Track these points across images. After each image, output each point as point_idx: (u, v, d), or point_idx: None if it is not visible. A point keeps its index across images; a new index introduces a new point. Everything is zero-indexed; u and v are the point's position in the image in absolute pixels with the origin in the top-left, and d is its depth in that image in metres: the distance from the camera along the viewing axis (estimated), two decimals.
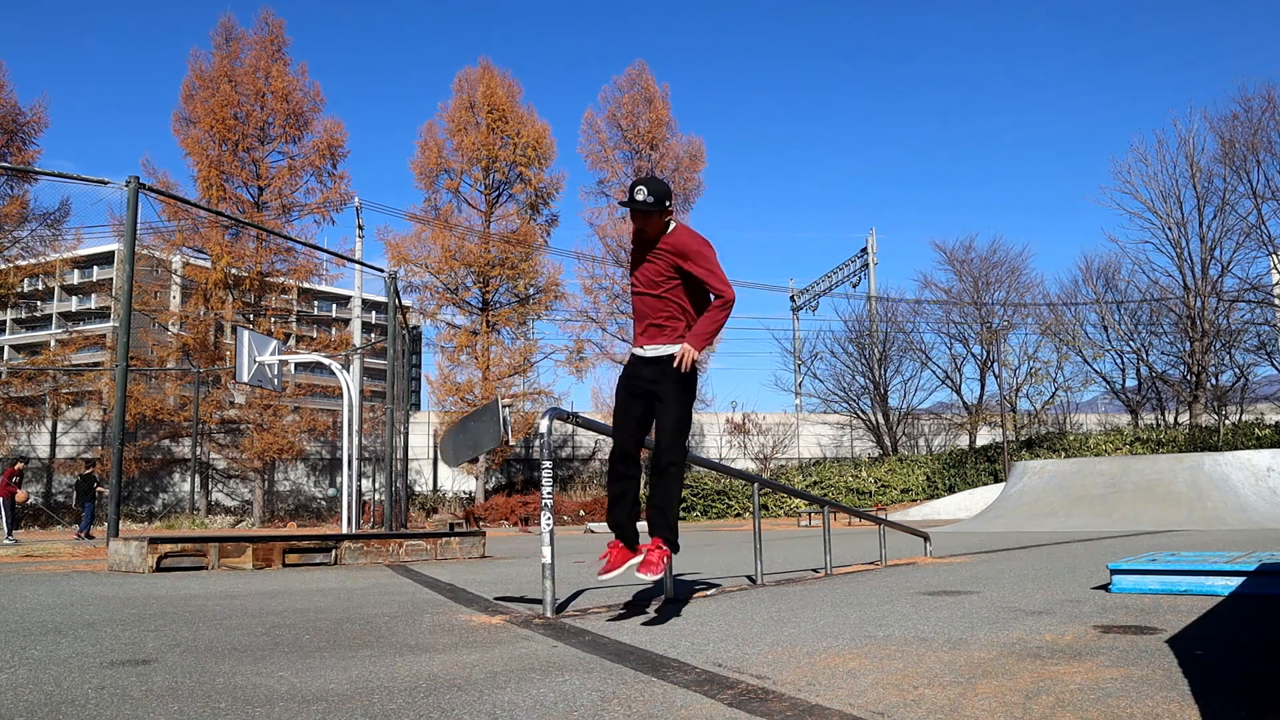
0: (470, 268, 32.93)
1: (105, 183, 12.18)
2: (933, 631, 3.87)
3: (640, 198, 4.20)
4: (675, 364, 4.11)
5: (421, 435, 36.08)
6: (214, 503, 32.57)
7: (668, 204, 4.28)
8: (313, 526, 25.95)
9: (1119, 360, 37.66)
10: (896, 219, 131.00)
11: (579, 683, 2.86)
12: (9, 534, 18.04)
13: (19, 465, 20.33)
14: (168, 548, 8.42)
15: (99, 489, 22.16)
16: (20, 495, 19.18)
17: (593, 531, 23.33)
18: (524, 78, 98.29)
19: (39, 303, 67.18)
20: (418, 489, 35.60)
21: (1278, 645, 3.43)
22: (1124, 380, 38.07)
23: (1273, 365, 33.86)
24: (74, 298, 77.01)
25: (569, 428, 33.41)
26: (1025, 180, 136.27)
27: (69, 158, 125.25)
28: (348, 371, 18.03)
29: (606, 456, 37.50)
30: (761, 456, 36.81)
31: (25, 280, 32.20)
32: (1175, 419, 36.09)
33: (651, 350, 4.25)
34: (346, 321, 50.74)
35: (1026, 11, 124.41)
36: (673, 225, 4.37)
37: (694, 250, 4.25)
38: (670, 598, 5.41)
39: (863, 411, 40.31)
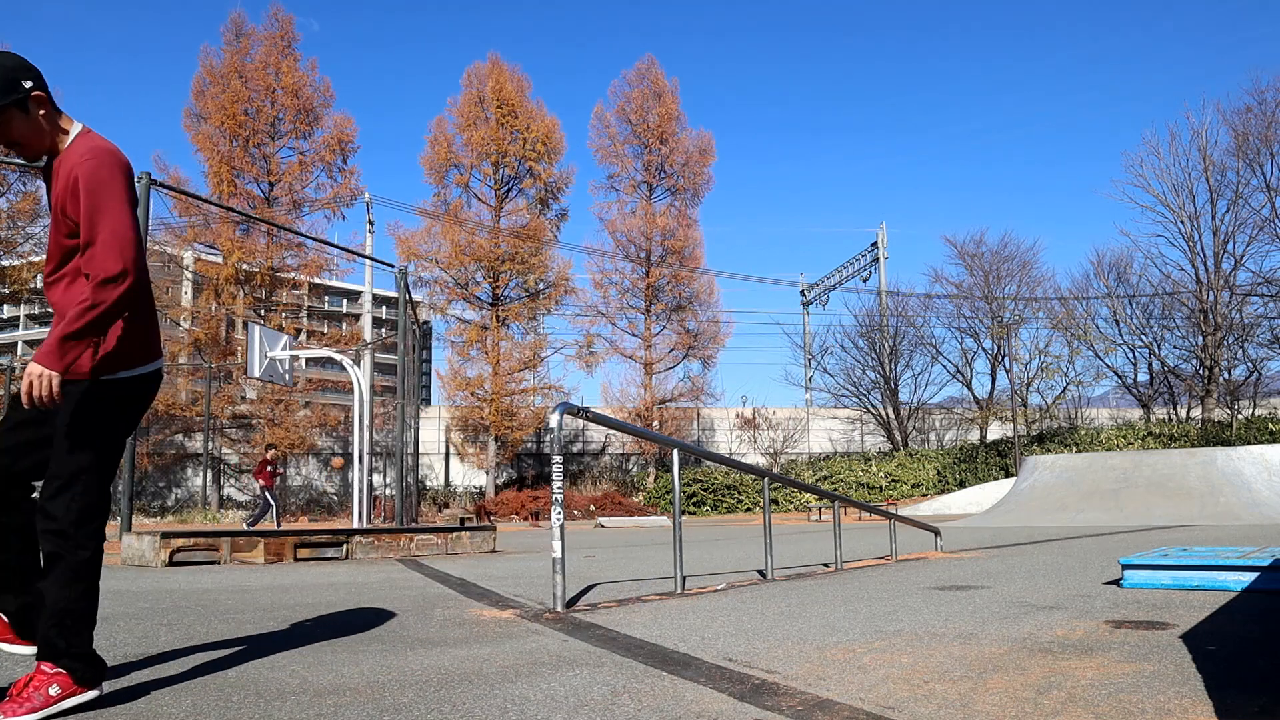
0: (480, 262, 32.96)
1: None
2: (943, 626, 3.86)
3: None
4: (30, 395, 2.43)
5: (432, 430, 36.17)
6: (226, 497, 32.71)
7: (23, 90, 2.55)
8: (324, 521, 26.04)
9: (1131, 354, 37.47)
10: (907, 213, 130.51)
11: (589, 677, 2.86)
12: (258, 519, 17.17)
13: (273, 454, 18.54)
14: (180, 542, 8.48)
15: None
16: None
17: (603, 526, 23.36)
18: (533, 72, 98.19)
19: None
20: (429, 484, 35.70)
21: None
22: (1136, 375, 37.88)
23: None
24: None
25: (579, 423, 33.35)
26: (1036, 174, 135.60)
27: None
28: (358, 366, 18.09)
29: (618, 451, 37.90)
30: (772, 451, 36.76)
31: (38, 276, 32.38)
32: (1187, 414, 35.88)
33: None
34: (357, 316, 50.92)
35: (1038, 4, 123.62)
36: (74, 134, 2.68)
37: (85, 175, 2.55)
38: (681, 593, 5.42)
39: (873, 406, 40.21)
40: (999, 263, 38.71)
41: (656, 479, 35.19)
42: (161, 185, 14.00)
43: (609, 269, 35.47)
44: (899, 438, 38.92)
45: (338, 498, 33.65)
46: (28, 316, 76.02)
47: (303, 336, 41.50)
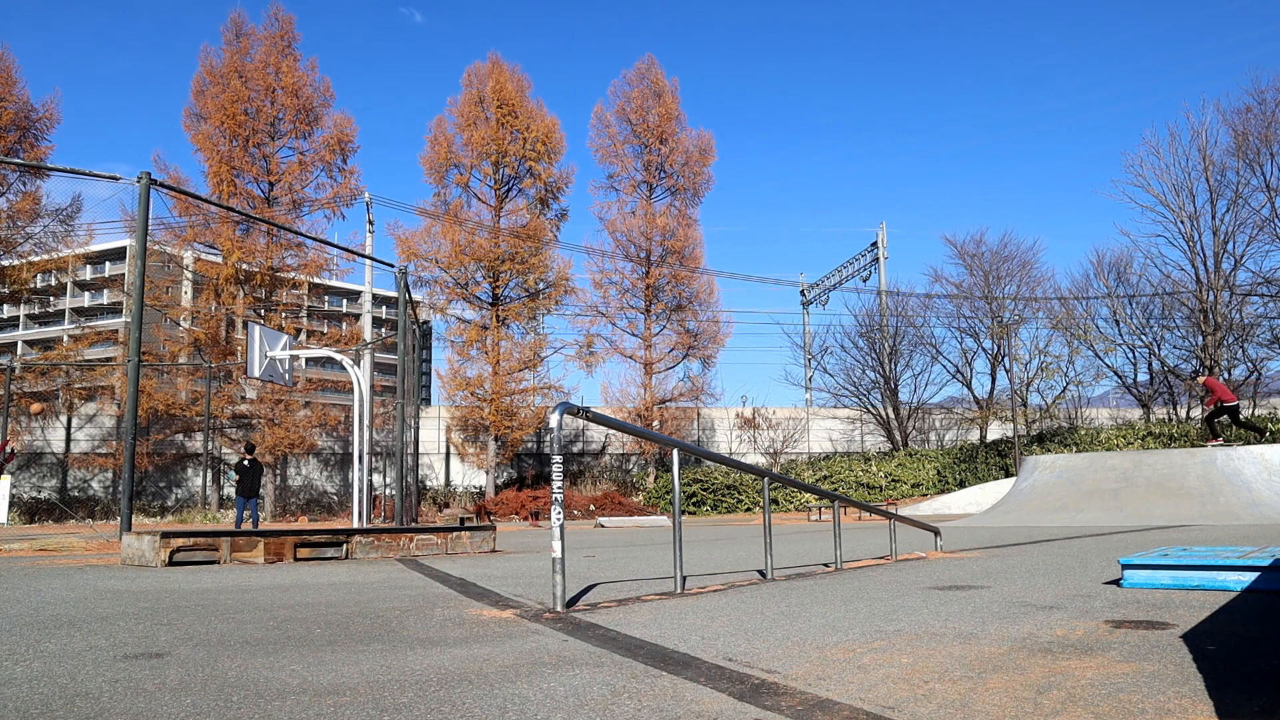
0: (480, 262, 32.94)
1: (117, 179, 12.23)
2: (943, 626, 3.86)
3: None
4: None
5: (432, 430, 36.17)
6: (226, 497, 32.68)
7: None
8: (324, 521, 26.03)
9: (1131, 354, 37.47)
10: (907, 213, 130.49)
11: (589, 676, 2.86)
12: None
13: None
14: (180, 542, 8.47)
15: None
16: None
17: (603, 526, 23.36)
18: (534, 72, 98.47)
19: (52, 298, 67.59)
20: (429, 483, 35.70)
21: None
22: (1136, 374, 37.87)
23: None
24: (86, 293, 77.48)
25: (579, 422, 33.17)
26: (1036, 173, 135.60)
27: (81, 154, 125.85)
28: (358, 366, 18.08)
29: (618, 451, 37.87)
30: (772, 451, 36.75)
31: (38, 276, 32.32)
32: (1187, 413, 35.85)
33: None
34: (357, 316, 50.90)
35: (1038, 4, 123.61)
36: None
37: None
38: (681, 593, 5.42)
39: (873, 406, 40.20)
40: (999, 263, 38.71)
41: (656, 479, 35.18)
42: (161, 185, 13.99)
43: (609, 269, 35.49)
44: (899, 438, 38.91)
45: (338, 498, 33.64)
46: (28, 316, 76.00)
47: (303, 336, 41.51)
